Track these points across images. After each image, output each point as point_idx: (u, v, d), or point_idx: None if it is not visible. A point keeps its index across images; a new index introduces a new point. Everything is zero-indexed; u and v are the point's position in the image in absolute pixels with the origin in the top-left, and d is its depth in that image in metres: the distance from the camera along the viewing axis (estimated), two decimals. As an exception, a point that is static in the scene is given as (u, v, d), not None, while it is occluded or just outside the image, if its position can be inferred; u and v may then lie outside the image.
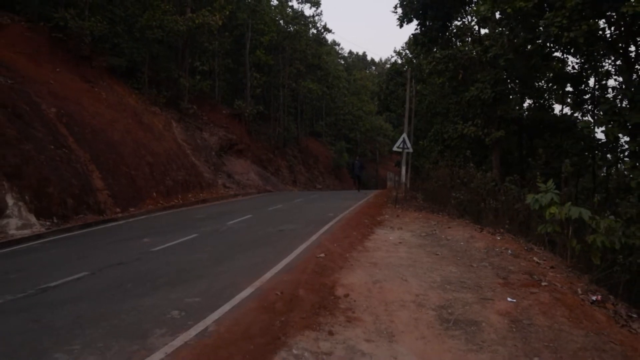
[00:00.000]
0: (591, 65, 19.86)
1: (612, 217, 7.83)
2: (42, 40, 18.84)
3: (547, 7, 12.73)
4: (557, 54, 20.22)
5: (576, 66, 21.14)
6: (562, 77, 21.41)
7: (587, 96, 22.47)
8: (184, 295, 5.81)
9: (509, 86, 20.90)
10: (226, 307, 5.28)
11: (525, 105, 24.97)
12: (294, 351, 4.20)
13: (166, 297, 5.74)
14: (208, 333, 4.58)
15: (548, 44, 16.26)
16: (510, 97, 22.79)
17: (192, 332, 4.57)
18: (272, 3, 40.79)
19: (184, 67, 26.67)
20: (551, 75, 22.13)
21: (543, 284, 6.68)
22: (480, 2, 16.98)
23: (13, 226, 11.18)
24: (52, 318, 5.11)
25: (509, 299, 5.96)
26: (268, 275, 6.66)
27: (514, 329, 5.09)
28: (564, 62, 21.01)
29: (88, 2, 19.92)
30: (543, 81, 24.07)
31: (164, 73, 26.38)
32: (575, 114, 23.47)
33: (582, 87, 21.77)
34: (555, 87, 23.88)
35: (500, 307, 5.69)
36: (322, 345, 4.39)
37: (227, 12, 27.43)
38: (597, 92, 21.67)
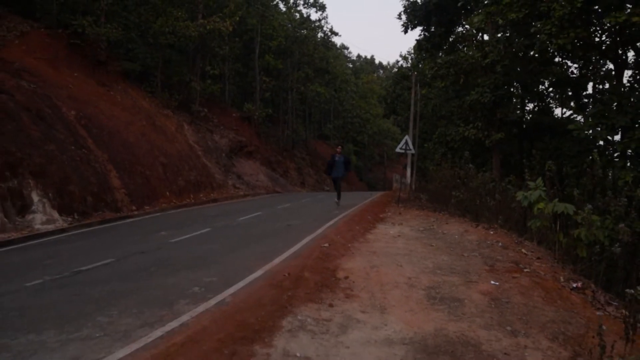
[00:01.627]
0: (589, 69, 20.48)
1: (591, 209, 8.40)
2: (60, 46, 19.72)
3: (540, 15, 13.41)
4: (557, 58, 20.86)
5: (575, 71, 21.75)
6: (563, 81, 21.98)
7: (589, 100, 23.03)
8: (202, 276, 6.57)
9: (511, 90, 21.52)
10: (240, 284, 6.04)
11: (529, 108, 25.59)
12: (299, 317, 4.93)
13: (186, 278, 6.51)
14: (225, 303, 5.34)
15: (548, 49, 16.88)
16: (513, 100, 23.40)
17: (212, 302, 5.34)
18: (279, 8, 41.70)
19: (195, 71, 27.55)
20: (553, 79, 22.71)
21: (526, 270, 7.35)
22: (475, 14, 17.69)
23: (38, 221, 11.98)
24: (89, 292, 5.89)
25: (492, 282, 6.63)
26: (277, 260, 7.42)
27: (493, 305, 5.77)
28: (564, 66, 21.60)
29: (104, 10, 20.78)
30: (546, 84, 24.63)
31: (176, 77, 27.29)
32: (577, 117, 24.01)
33: (582, 91, 22.34)
34: (557, 90, 24.41)
35: (483, 288, 6.37)
36: (322, 313, 5.12)
37: (237, 18, 28.29)
38: (597, 96, 22.23)
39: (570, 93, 23.00)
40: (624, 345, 4.41)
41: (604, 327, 4.15)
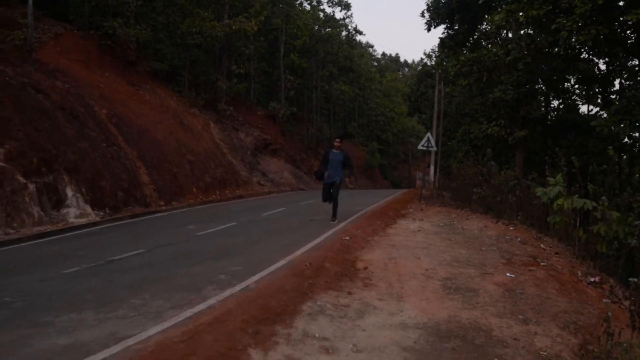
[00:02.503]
0: (615, 66, 20.24)
1: (605, 200, 8.45)
2: (92, 47, 20.39)
3: (560, 12, 13.38)
4: (584, 55, 20.64)
5: (602, 67, 21.49)
6: (589, 77, 21.73)
7: (616, 96, 22.68)
8: (228, 265, 6.93)
9: (534, 87, 21.37)
10: (264, 273, 6.38)
11: (554, 105, 25.30)
12: (319, 303, 5.21)
13: (213, 267, 6.87)
14: (250, 289, 5.68)
15: (573, 46, 16.75)
16: (538, 97, 23.22)
17: (237, 287, 5.69)
18: (304, 7, 42.00)
19: (222, 70, 28.08)
20: (579, 76, 22.44)
21: (543, 264, 7.49)
22: (496, 12, 17.68)
23: (72, 215, 12.52)
24: (122, 279, 6.29)
25: (507, 274, 6.80)
26: (299, 252, 7.74)
27: (507, 296, 5.96)
28: (590, 62, 21.34)
29: (133, 11, 21.38)
30: (572, 81, 24.31)
31: (203, 76, 27.86)
32: (604, 114, 23.64)
33: (609, 88, 22.03)
34: (583, 87, 24.08)
35: (499, 279, 6.55)
36: (341, 300, 5.39)
37: (262, 18, 28.68)
38: (626, 92, 21.88)
39: (597, 90, 22.70)
40: (631, 333, 4.57)
41: (610, 314, 4.33)
